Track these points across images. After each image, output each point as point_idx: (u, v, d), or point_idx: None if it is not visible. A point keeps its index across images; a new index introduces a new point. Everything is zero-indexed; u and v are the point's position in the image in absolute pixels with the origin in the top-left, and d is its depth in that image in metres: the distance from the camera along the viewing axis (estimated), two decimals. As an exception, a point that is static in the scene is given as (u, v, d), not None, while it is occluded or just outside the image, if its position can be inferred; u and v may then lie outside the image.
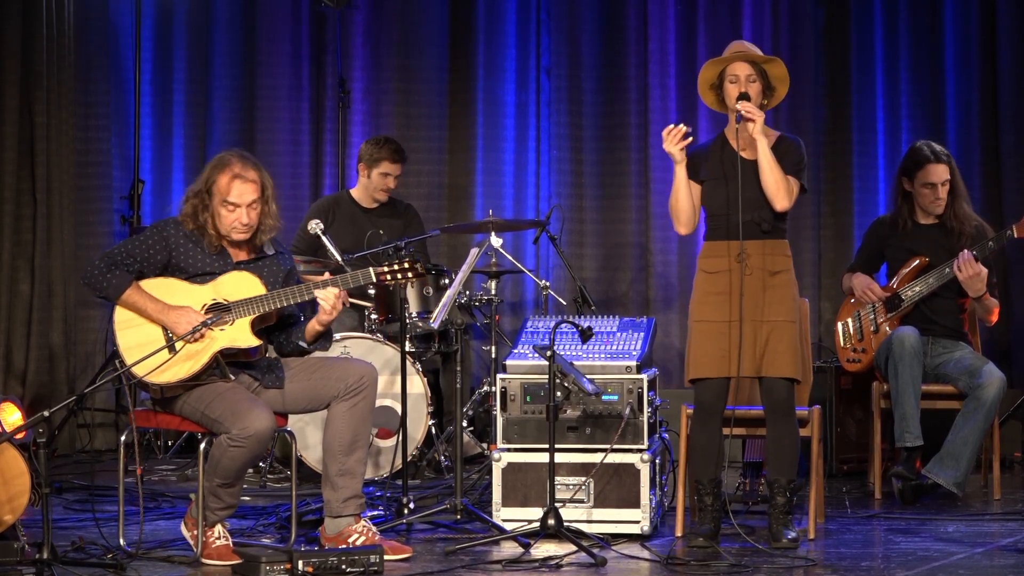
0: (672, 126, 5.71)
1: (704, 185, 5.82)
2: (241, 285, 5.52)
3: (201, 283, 5.52)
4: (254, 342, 5.50)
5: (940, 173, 6.88)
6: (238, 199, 5.49)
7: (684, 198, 5.78)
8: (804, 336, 6.07)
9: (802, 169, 5.79)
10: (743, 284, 5.68)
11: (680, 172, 5.76)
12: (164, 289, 5.50)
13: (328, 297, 5.51)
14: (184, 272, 5.53)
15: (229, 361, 5.50)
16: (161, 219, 5.77)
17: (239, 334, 5.48)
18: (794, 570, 5.35)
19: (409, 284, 5.61)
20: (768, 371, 5.70)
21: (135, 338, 5.45)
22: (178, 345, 5.40)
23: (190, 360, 5.42)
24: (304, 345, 5.69)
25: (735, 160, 5.72)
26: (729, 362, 5.69)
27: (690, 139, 5.71)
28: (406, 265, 5.59)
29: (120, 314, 5.49)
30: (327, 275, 7.11)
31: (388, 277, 5.59)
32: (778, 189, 5.69)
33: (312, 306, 5.65)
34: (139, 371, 5.37)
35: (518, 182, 8.81)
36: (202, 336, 5.41)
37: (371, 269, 5.58)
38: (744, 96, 5.70)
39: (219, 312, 5.46)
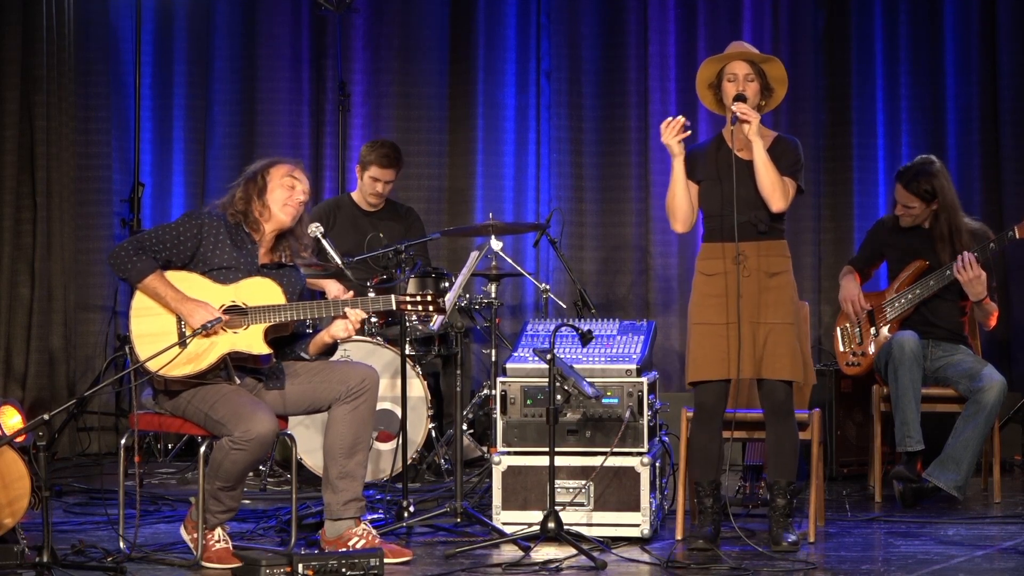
0: (671, 118, 5.70)
1: (701, 185, 5.81)
2: (262, 291, 5.53)
3: (223, 283, 5.52)
4: (265, 350, 5.50)
5: (902, 197, 6.89)
6: (300, 179, 5.67)
7: (681, 193, 5.77)
8: (805, 338, 6.07)
9: (799, 170, 5.78)
10: (741, 286, 5.67)
11: (678, 166, 5.75)
12: (185, 283, 5.51)
13: (358, 317, 5.52)
14: (207, 265, 5.53)
15: (236, 365, 5.51)
16: (195, 209, 5.79)
17: (251, 340, 5.48)
18: (794, 573, 5.34)
19: (424, 314, 5.64)
20: (767, 373, 5.70)
21: (148, 327, 5.47)
22: (189, 340, 5.39)
23: (198, 357, 5.43)
24: (306, 357, 5.69)
25: (730, 160, 5.72)
26: (728, 364, 5.69)
27: (688, 132, 5.70)
28: (428, 298, 5.60)
29: (138, 300, 5.50)
30: (333, 282, 7.14)
31: (408, 307, 5.60)
32: (774, 190, 5.68)
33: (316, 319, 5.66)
34: (146, 363, 5.40)
35: (518, 185, 8.81)
36: (214, 332, 5.42)
37: (393, 296, 5.59)
38: (740, 97, 5.70)
39: (235, 314, 5.47)
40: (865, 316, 6.94)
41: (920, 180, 6.86)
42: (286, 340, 5.69)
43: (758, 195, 5.70)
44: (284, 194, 5.63)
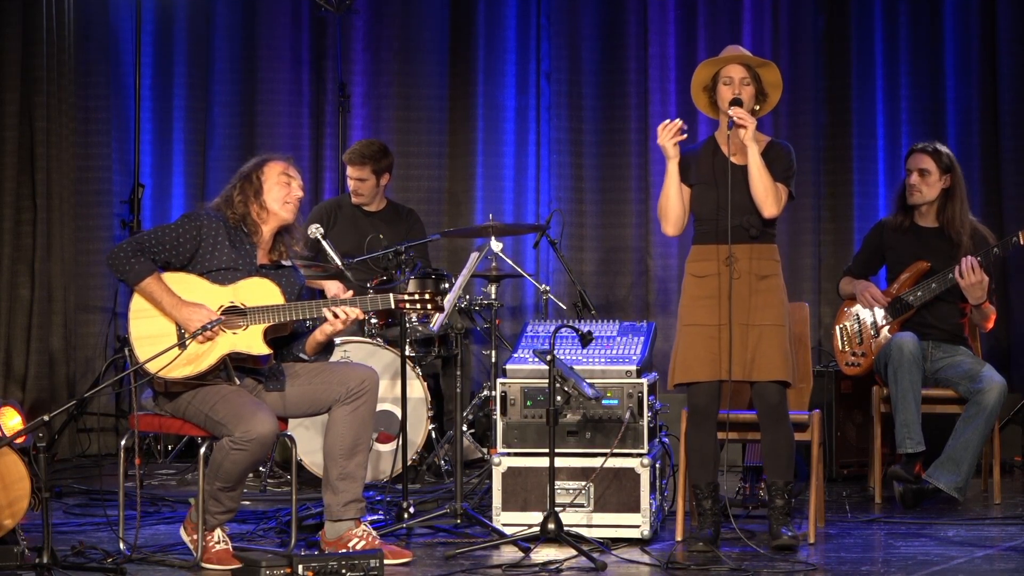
0: (668, 120, 5.71)
1: (694, 189, 5.81)
2: (260, 292, 5.52)
3: (221, 284, 5.52)
4: (264, 350, 5.50)
5: (917, 161, 6.89)
6: (294, 175, 5.67)
7: (675, 196, 5.77)
8: (803, 340, 6.07)
9: (791, 176, 5.79)
10: (731, 288, 5.67)
11: (672, 168, 5.75)
12: (184, 285, 5.50)
13: (350, 316, 5.51)
14: (206, 266, 5.53)
15: (236, 366, 5.51)
16: (193, 210, 5.79)
17: (251, 340, 5.48)
18: (794, 574, 5.35)
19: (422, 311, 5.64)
20: (758, 375, 5.70)
21: (147, 328, 5.46)
22: (188, 342, 5.40)
23: (197, 358, 5.43)
24: (305, 358, 5.69)
25: (725, 165, 5.72)
26: (719, 365, 5.69)
27: (685, 135, 5.70)
28: (427, 297, 5.59)
29: (136, 302, 5.50)
30: (334, 283, 7.13)
31: (407, 306, 5.59)
32: (767, 195, 5.68)
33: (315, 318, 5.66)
34: (146, 364, 5.39)
35: (518, 186, 8.81)
36: (212, 336, 5.42)
37: (391, 296, 5.57)
38: (737, 101, 5.70)
39: (233, 315, 5.47)
40: (885, 311, 6.90)
41: (928, 145, 6.90)
42: (285, 340, 5.69)
43: (751, 200, 5.70)
44: (282, 192, 5.63)
